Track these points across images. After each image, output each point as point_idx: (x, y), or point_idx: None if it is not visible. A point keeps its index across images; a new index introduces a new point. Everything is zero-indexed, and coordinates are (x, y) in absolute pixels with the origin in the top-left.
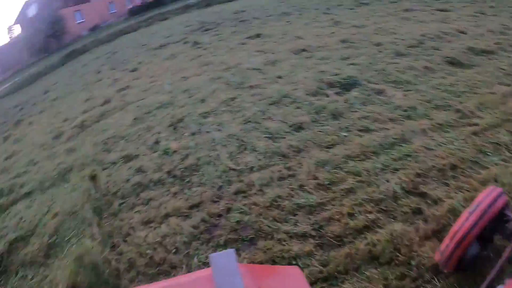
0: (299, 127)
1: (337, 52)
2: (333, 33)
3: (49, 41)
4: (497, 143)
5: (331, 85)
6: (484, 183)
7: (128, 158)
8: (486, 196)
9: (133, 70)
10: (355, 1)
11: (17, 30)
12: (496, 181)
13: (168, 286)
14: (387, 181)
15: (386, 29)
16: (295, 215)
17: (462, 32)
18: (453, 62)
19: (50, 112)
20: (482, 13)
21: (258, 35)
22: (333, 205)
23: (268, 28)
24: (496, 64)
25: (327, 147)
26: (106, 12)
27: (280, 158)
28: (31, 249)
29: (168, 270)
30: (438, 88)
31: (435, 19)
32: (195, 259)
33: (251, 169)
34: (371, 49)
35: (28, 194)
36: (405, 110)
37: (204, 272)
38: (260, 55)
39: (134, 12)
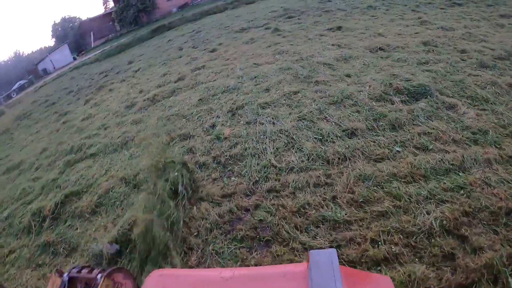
0: (352, 133)
1: (415, 55)
2: (417, 33)
3: (140, 16)
4: None
5: (399, 91)
6: None
7: (183, 137)
8: None
9: (212, 51)
10: (448, 0)
11: (112, 2)
12: None
13: (258, 275)
14: (428, 213)
15: (476, 35)
16: (317, 227)
17: None
18: None
19: (129, 82)
20: None
21: (339, 28)
22: (360, 226)
23: (351, 21)
24: None
25: (375, 161)
26: None
27: (323, 163)
28: (82, 204)
29: (185, 250)
30: None
31: None
32: (210, 247)
33: (291, 170)
34: (453, 56)
35: (92, 155)
36: (474, 133)
37: (297, 266)
38: (335, 49)
39: None
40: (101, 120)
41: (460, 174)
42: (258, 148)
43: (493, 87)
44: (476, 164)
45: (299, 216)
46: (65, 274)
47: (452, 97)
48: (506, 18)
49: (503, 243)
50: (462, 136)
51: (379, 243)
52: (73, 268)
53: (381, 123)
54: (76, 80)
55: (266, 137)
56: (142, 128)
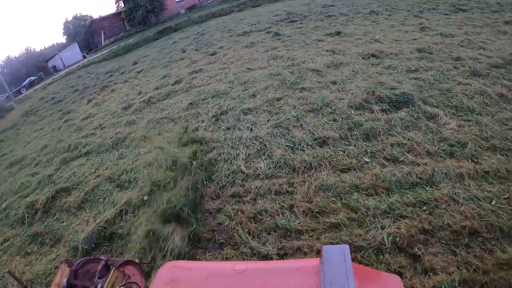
0: (323, 142)
1: (407, 62)
2: (414, 39)
3: (148, 16)
4: None
5: (380, 99)
6: (503, 266)
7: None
8: None
9: (212, 54)
10: (453, 6)
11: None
12: None
13: (272, 268)
14: (382, 228)
15: (475, 42)
16: (269, 233)
17: None
18: None
19: (131, 83)
20: None
21: (338, 33)
22: (310, 236)
23: (351, 26)
24: None
25: (341, 171)
26: None
27: (288, 172)
28: (70, 199)
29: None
30: (506, 124)
31: None
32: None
33: (257, 176)
34: (446, 63)
35: (86, 154)
36: (452, 145)
37: (310, 261)
38: (328, 55)
39: None
40: (99, 120)
41: (427, 188)
42: (231, 154)
43: (481, 97)
44: (447, 178)
45: (255, 222)
46: (74, 265)
47: (436, 106)
48: (510, 25)
49: (460, 266)
50: (438, 148)
51: None
52: (82, 259)
53: (356, 132)
54: (83, 79)
55: (241, 143)
56: (133, 130)
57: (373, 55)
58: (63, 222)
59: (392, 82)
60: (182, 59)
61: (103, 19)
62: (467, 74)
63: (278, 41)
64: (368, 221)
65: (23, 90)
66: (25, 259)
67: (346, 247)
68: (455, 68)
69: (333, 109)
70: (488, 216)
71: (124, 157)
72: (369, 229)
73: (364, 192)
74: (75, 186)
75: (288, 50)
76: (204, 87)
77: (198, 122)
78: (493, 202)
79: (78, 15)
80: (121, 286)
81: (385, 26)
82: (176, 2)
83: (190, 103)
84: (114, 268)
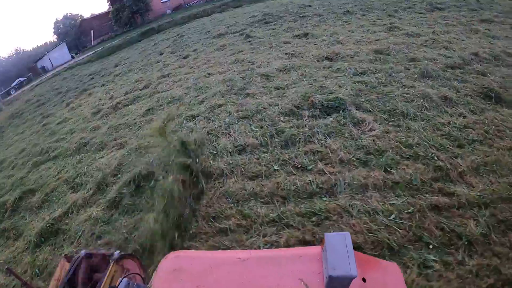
0: (243, 149)
1: (359, 64)
2: (378, 40)
3: (134, 17)
4: (458, 234)
5: (313, 105)
6: None
7: (120, 147)
8: None
9: (184, 57)
10: (430, 5)
11: None
12: None
13: (275, 256)
14: (264, 235)
15: (440, 42)
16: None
17: None
18: (489, 96)
19: (107, 87)
20: None
21: (305, 35)
22: (200, 239)
23: (321, 27)
24: None
25: (249, 178)
26: None
27: (203, 178)
28: (33, 199)
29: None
30: (439, 130)
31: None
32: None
33: None
34: (399, 65)
35: (54, 158)
36: (368, 153)
37: (312, 249)
38: (285, 59)
39: None
40: (71, 124)
41: (324, 198)
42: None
43: (421, 100)
44: (349, 189)
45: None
46: (73, 259)
47: (369, 111)
48: (485, 22)
49: None
50: (353, 156)
51: None
52: (81, 253)
53: (276, 140)
54: (67, 81)
55: None
56: (95, 136)
57: (327, 58)
58: (26, 219)
59: (333, 87)
60: (158, 62)
61: (93, 18)
62: (416, 76)
63: (248, 44)
64: (254, 228)
65: (12, 91)
66: None
67: (347, 234)
68: (407, 69)
69: (263, 116)
70: (379, 232)
71: (82, 162)
72: (251, 236)
73: (261, 200)
74: (39, 188)
75: (253, 53)
76: (165, 93)
77: (148, 129)
78: (392, 216)
79: (68, 14)
80: (123, 277)
81: (355, 26)
82: (162, 2)
83: (148, 109)
84: (113, 262)
